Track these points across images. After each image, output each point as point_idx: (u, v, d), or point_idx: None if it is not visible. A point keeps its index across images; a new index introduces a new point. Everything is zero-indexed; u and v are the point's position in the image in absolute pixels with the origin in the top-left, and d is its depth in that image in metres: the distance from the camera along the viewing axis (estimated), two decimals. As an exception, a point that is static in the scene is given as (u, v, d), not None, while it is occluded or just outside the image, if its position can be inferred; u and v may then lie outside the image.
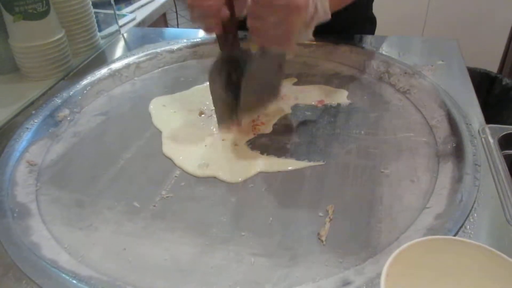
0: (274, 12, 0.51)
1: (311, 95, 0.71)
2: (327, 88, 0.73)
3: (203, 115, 0.67)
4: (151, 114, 0.69)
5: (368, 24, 0.95)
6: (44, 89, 0.74)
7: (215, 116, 0.67)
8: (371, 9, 0.94)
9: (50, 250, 0.46)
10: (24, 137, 0.62)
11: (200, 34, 0.91)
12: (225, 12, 0.55)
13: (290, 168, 0.56)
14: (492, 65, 1.61)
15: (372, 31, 0.95)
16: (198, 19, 0.56)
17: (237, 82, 0.58)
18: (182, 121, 0.67)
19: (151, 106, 0.71)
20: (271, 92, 0.64)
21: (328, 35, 0.82)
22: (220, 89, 0.61)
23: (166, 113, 0.69)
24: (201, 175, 0.56)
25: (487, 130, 0.57)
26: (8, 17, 0.73)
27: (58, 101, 0.69)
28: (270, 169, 0.56)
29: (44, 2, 0.74)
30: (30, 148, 0.61)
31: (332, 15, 0.58)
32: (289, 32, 0.53)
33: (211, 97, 0.63)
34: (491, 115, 0.64)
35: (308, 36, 0.56)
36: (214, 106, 0.64)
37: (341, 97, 0.70)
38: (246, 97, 0.58)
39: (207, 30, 0.57)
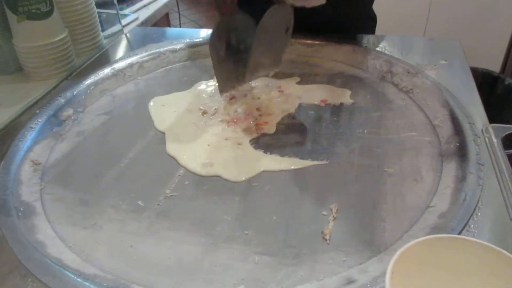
0: None
1: (314, 95, 0.71)
2: (330, 88, 0.73)
3: (206, 114, 0.68)
4: (151, 115, 0.69)
5: (369, 22, 0.95)
6: (48, 88, 0.74)
7: (217, 115, 0.67)
8: (371, 6, 0.94)
9: (55, 249, 0.46)
10: (28, 137, 0.62)
11: (202, 34, 0.91)
12: None
13: (293, 167, 0.56)
14: (494, 65, 1.61)
15: (372, 29, 0.95)
16: None
17: (237, 47, 0.62)
18: (184, 121, 0.67)
19: (151, 104, 0.71)
20: (275, 57, 0.66)
21: (329, 33, 0.82)
22: (221, 54, 0.63)
23: (166, 112, 0.69)
24: (205, 174, 0.56)
25: (491, 130, 0.57)
26: (12, 17, 0.74)
27: (61, 100, 0.70)
28: (274, 168, 0.56)
29: (48, 2, 0.74)
30: (34, 148, 0.61)
31: (333, 13, 0.59)
32: None
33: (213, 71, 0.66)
34: (493, 115, 0.64)
35: None
36: (215, 71, 0.66)
37: (344, 96, 0.70)
38: (254, 57, 0.61)
39: None
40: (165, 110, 0.70)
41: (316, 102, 0.69)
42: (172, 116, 0.68)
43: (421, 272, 0.36)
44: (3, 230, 0.47)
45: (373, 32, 0.94)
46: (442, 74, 0.71)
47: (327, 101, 0.69)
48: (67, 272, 0.42)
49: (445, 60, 0.75)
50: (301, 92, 0.72)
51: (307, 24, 0.71)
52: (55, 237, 0.48)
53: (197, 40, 0.86)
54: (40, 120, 0.65)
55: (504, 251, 0.34)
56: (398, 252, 0.34)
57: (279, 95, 0.71)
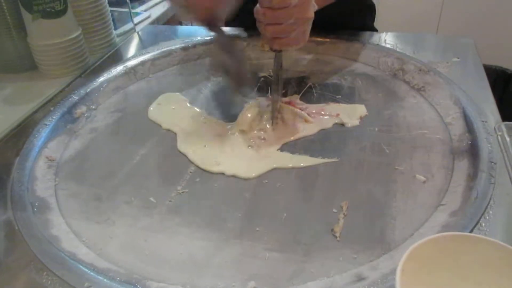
0: (290, 15, 0.53)
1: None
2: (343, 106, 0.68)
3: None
4: (154, 118, 0.68)
5: (368, 12, 0.94)
6: (62, 86, 0.75)
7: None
8: None
9: (69, 243, 0.47)
10: (43, 133, 0.63)
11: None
12: None
13: (303, 164, 0.57)
14: (508, 62, 1.59)
15: (372, 19, 0.94)
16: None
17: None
18: (193, 118, 0.67)
19: (151, 108, 0.71)
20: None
21: (330, 28, 0.81)
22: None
23: (168, 111, 0.70)
24: (215, 171, 0.56)
25: (503, 128, 0.56)
26: (27, 16, 0.75)
27: (75, 98, 0.71)
28: (284, 165, 0.56)
29: (62, 1, 0.75)
30: (49, 144, 0.62)
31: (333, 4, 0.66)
32: (306, 31, 0.57)
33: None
34: (507, 113, 0.63)
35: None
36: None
37: (359, 111, 0.66)
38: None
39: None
40: (165, 108, 0.70)
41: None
42: (177, 114, 0.69)
43: (431, 270, 0.36)
44: (19, 224, 0.48)
45: (373, 21, 0.94)
46: (454, 72, 0.70)
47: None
48: (81, 266, 0.43)
49: (458, 58, 0.74)
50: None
51: None
52: (69, 231, 0.49)
53: (208, 38, 0.87)
54: (54, 117, 0.66)
55: (516, 250, 0.34)
56: (409, 250, 0.34)
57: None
